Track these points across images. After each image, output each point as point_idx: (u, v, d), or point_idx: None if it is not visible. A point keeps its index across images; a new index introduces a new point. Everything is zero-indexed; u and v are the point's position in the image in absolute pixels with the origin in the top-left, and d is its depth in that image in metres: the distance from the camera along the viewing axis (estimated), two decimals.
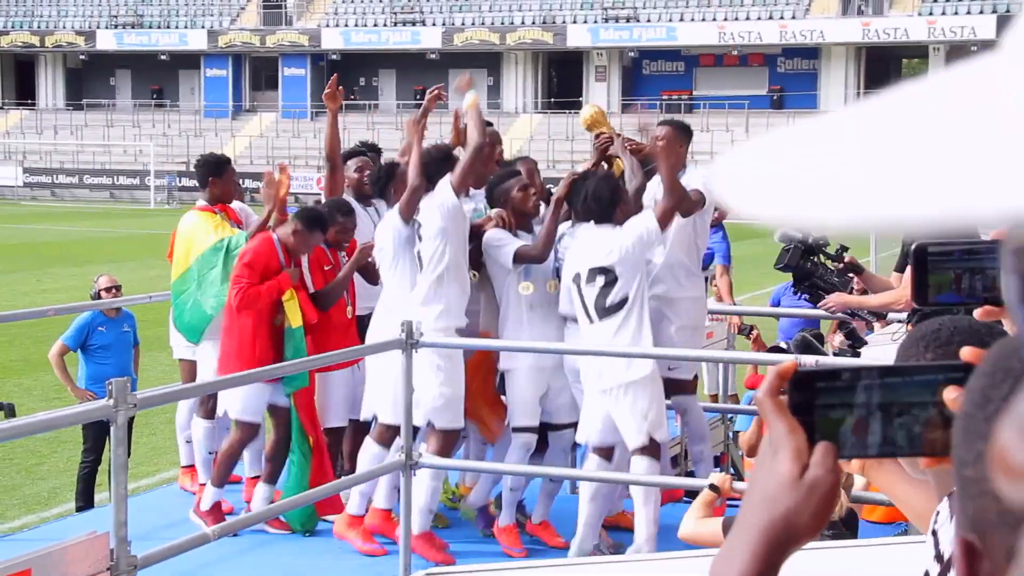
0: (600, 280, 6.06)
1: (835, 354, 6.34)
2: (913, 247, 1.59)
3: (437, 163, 6.37)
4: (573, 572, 3.47)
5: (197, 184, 7.42)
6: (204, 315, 7.04)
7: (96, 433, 8.23)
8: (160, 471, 10.05)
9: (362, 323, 6.85)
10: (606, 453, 6.17)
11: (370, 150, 8.30)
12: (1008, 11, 45.13)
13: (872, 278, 6.56)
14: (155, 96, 57.23)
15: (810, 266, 6.24)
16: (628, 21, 50.37)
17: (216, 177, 7.37)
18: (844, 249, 6.36)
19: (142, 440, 10.40)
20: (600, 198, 6.11)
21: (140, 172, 49.99)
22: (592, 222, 6.15)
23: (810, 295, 6.30)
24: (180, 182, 48.64)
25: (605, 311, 6.06)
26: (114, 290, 8.44)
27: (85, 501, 8.32)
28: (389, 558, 5.98)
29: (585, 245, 6.15)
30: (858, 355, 6.36)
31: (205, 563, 5.67)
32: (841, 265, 6.28)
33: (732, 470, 8.35)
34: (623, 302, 6.04)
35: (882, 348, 5.79)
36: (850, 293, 5.78)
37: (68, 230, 34.47)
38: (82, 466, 8.39)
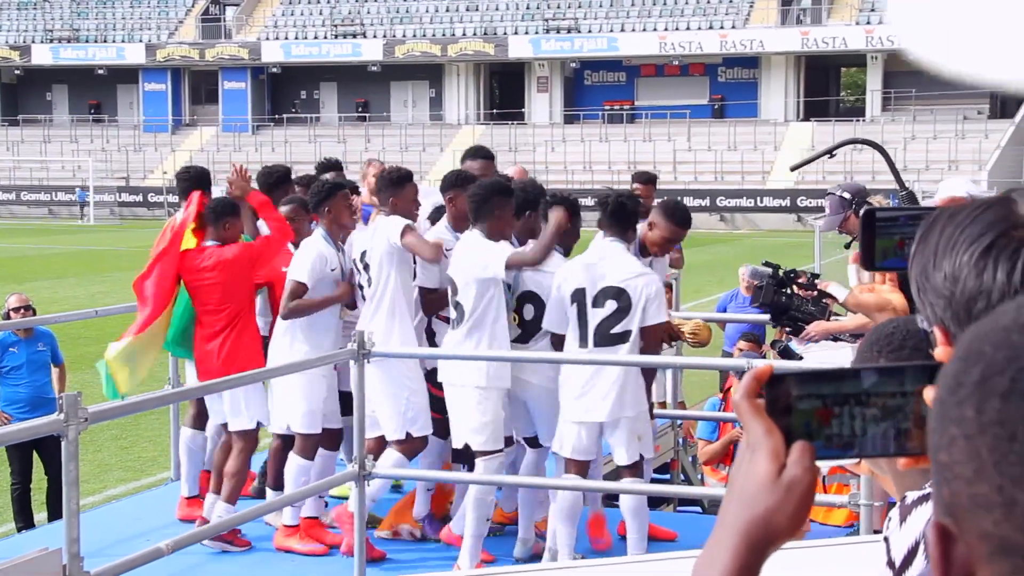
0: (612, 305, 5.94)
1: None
2: (862, 212, 1.61)
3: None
4: (573, 572, 3.45)
5: (182, 196, 7.23)
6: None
7: (21, 454, 8.09)
8: (107, 488, 9.92)
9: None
10: (582, 468, 6.14)
11: (334, 168, 8.33)
12: None
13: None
14: (93, 111, 56.56)
15: (784, 299, 6.27)
16: (569, 31, 50.58)
17: (207, 188, 7.26)
18: (815, 276, 6.41)
19: (87, 457, 10.25)
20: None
21: (79, 188, 49.37)
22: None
23: (791, 328, 6.35)
24: (10, 196, 48.50)
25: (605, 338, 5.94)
26: (23, 310, 8.17)
27: (24, 521, 8.18)
28: (343, 569, 5.93)
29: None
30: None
31: None
32: (815, 292, 6.33)
33: (683, 476, 8.39)
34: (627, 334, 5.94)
35: (829, 352, 5.84)
36: (827, 319, 5.83)
37: (5, 247, 33.95)
38: (13, 488, 8.25)
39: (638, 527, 6.06)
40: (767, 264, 6.47)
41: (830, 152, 7.32)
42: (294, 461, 6.49)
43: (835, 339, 5.96)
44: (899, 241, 1.58)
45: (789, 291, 6.36)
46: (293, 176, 7.80)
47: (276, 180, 7.48)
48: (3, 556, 4.53)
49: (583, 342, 5.95)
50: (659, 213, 6.31)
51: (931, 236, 1.07)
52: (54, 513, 8.03)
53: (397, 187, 6.41)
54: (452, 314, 6.13)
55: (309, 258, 6.44)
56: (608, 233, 6.04)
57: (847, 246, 6.85)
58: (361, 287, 6.48)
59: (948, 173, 42.39)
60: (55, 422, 3.93)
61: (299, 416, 6.47)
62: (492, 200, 5.95)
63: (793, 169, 8.40)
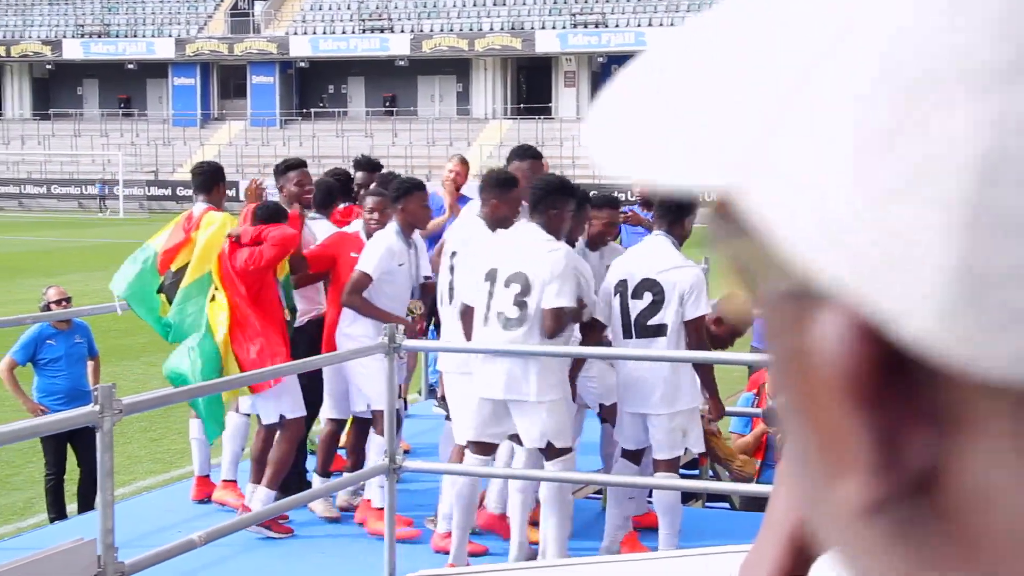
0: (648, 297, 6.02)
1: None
2: None
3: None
4: (572, 573, 3.46)
5: (197, 191, 7.34)
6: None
7: (55, 446, 8.15)
8: (136, 479, 9.99)
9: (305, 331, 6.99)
10: (636, 457, 6.23)
11: (371, 167, 8.50)
12: None
13: None
14: (123, 105, 56.93)
15: None
16: (597, 26, 50.53)
17: (221, 183, 7.39)
18: None
19: (117, 449, 10.32)
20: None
21: (108, 181, 49.71)
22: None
23: None
24: (41, 189, 48.93)
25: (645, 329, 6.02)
26: (64, 302, 8.26)
27: (57, 512, 8.25)
28: (374, 559, 5.96)
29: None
30: None
31: (192, 570, 5.63)
32: None
33: (711, 472, 8.37)
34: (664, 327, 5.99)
35: None
36: None
37: (36, 240, 34.22)
38: (47, 479, 8.31)
39: (670, 523, 6.07)
40: None
41: None
42: (375, 440, 6.59)
43: None
44: None
45: None
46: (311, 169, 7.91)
47: (286, 170, 7.57)
48: (37, 547, 4.57)
49: (626, 333, 6.03)
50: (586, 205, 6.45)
51: None
52: (84, 505, 8.11)
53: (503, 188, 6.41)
54: (508, 312, 5.89)
55: (378, 251, 6.58)
56: (658, 227, 6.16)
57: None
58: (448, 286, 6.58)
59: None
60: (91, 413, 3.97)
61: (380, 395, 6.39)
62: (552, 196, 5.96)
63: None
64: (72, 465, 8.40)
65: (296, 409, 6.66)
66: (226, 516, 6.64)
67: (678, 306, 5.92)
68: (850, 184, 0.30)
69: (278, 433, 6.67)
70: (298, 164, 7.54)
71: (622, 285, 6.01)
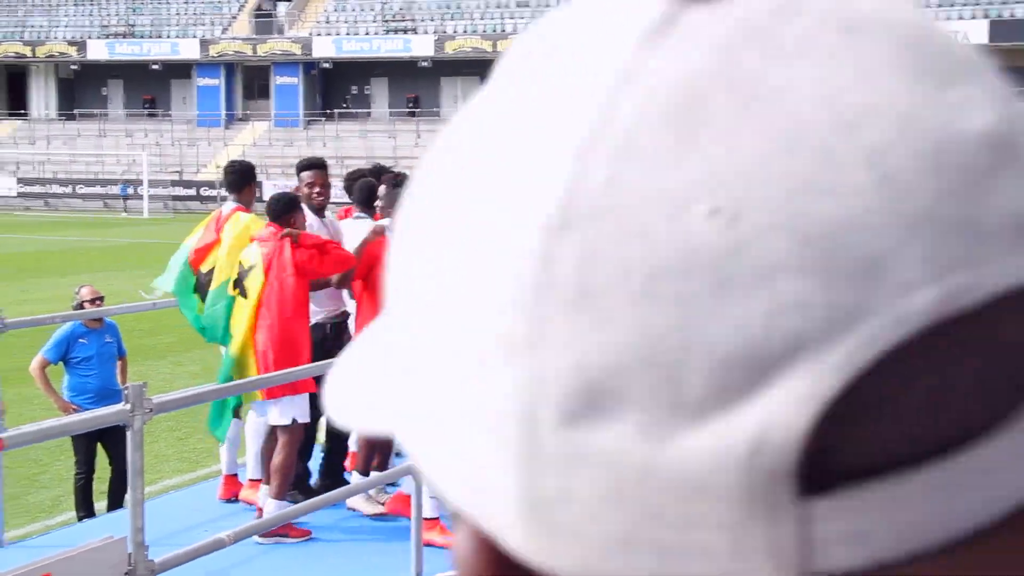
0: None
1: None
2: None
3: None
4: None
5: (228, 189, 7.39)
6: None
7: (86, 445, 8.18)
8: (163, 478, 10.02)
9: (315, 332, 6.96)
10: None
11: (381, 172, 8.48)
12: (1000, 16, 45.28)
13: None
14: (147, 106, 57.24)
15: None
16: None
17: (251, 183, 7.38)
18: None
19: (145, 448, 10.37)
20: None
21: (133, 181, 49.98)
22: None
23: None
24: (67, 189, 49.24)
25: None
26: (97, 301, 8.32)
27: (86, 511, 8.29)
28: (401, 560, 5.96)
29: None
30: None
31: (221, 569, 5.65)
32: None
33: None
34: None
35: None
36: None
37: (61, 240, 34.43)
38: (77, 478, 8.34)
39: None
40: None
41: None
42: None
43: None
44: None
45: None
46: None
47: (300, 170, 7.58)
48: (67, 544, 4.59)
49: None
50: None
51: None
52: (113, 503, 8.15)
53: None
54: None
55: None
56: None
57: None
58: None
59: None
60: (121, 412, 3.98)
61: None
62: None
63: None
64: (102, 463, 8.43)
65: (305, 414, 6.61)
66: (253, 515, 6.66)
67: None
68: (451, 427, 0.35)
69: (281, 438, 6.59)
70: (312, 165, 7.45)
71: None
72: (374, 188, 7.51)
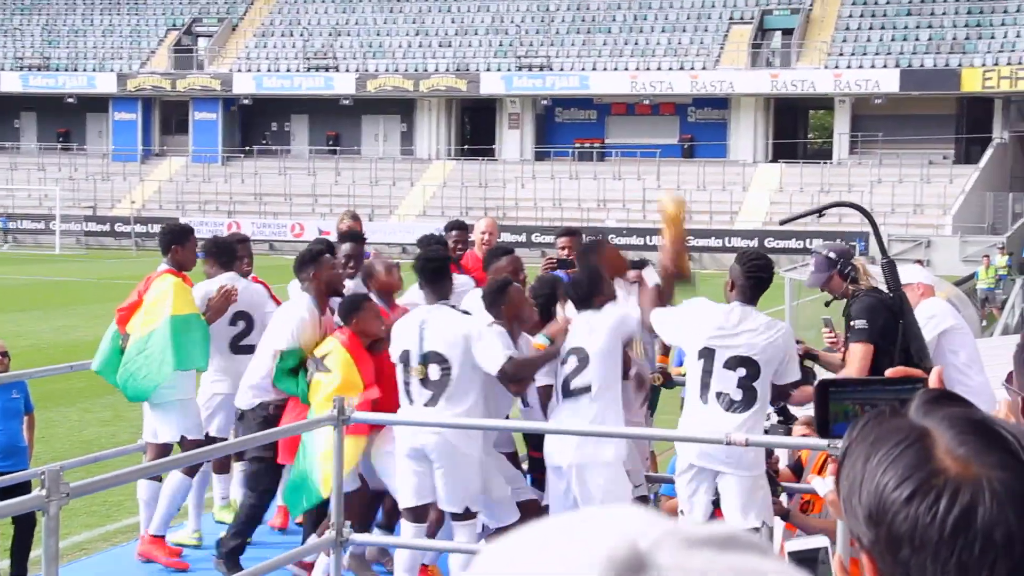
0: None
1: (766, 431, 6.41)
2: (816, 383, 1.70)
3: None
4: None
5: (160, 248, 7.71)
6: (163, 377, 7.06)
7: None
8: (71, 534, 9.79)
9: None
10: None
11: (457, 228, 8.84)
12: (910, 66, 46.45)
13: (825, 356, 6.73)
14: (61, 139, 56.29)
15: None
16: (541, 69, 50.85)
17: (179, 245, 7.55)
18: (798, 342, 6.45)
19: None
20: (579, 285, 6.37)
21: (45, 216, 49.06)
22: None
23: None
24: (20, 224, 48.51)
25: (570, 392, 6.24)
26: (2, 356, 8.16)
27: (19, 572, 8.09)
28: None
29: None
30: (790, 431, 6.45)
31: None
32: (800, 354, 6.37)
33: None
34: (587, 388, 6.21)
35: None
36: (811, 383, 5.87)
37: None
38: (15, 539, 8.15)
39: None
40: None
41: (819, 212, 7.50)
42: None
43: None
44: (852, 407, 1.67)
45: None
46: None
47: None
48: None
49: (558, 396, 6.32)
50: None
51: (852, 462, 1.11)
52: (18, 562, 7.94)
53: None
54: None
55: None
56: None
57: (828, 304, 6.92)
58: None
59: (913, 217, 42.83)
60: (37, 498, 3.88)
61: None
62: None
63: (782, 223, 8.58)
64: (4, 520, 8.23)
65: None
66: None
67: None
68: None
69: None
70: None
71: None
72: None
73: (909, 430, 1.09)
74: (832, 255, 6.39)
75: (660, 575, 0.49)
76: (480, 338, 6.11)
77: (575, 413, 6.11)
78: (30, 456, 8.31)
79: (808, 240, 39.83)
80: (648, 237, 42.32)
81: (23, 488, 6.80)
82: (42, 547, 3.98)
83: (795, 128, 51.89)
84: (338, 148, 53.62)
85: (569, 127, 52.52)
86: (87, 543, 9.18)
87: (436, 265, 6.37)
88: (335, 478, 5.60)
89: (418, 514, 6.29)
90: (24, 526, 7.95)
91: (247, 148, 54.10)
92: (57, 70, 55.72)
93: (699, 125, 51.02)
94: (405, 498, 6.25)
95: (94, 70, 55.36)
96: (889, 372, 1.61)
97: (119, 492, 11.18)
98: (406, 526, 6.32)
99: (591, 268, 6.38)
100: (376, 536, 6.34)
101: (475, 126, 54.22)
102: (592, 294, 6.28)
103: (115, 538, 9.30)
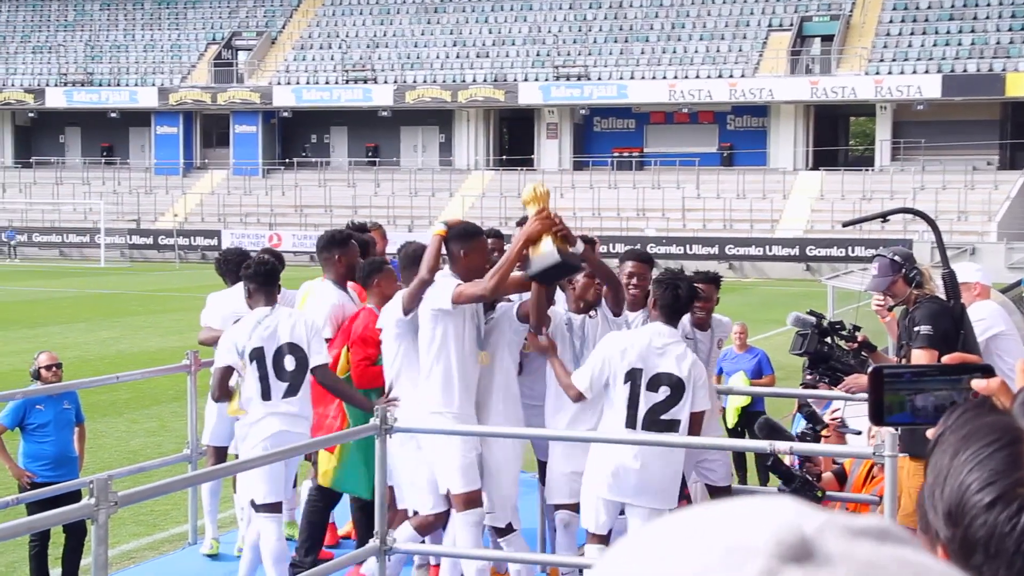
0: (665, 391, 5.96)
1: (799, 436, 6.36)
2: (870, 370, 1.67)
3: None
4: None
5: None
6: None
7: (41, 512, 8.09)
8: (120, 543, 9.88)
9: None
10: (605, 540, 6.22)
11: (493, 236, 8.67)
12: (953, 71, 46.07)
13: (884, 357, 6.65)
14: (105, 153, 56.91)
15: (827, 349, 6.28)
16: (579, 79, 50.86)
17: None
18: (857, 328, 6.40)
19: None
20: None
21: (90, 230, 49.58)
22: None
23: (829, 378, 6.34)
24: (23, 237, 49.01)
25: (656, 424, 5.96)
26: (55, 368, 8.23)
27: None
28: None
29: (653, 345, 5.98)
30: (818, 439, 6.42)
31: None
32: (855, 345, 6.32)
33: None
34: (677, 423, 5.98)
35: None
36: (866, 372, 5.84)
37: (17, 290, 34.02)
38: (31, 545, 8.23)
39: None
40: (812, 313, 6.48)
41: (884, 216, 7.46)
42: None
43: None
44: (907, 396, 1.65)
45: (831, 341, 6.39)
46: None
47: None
48: None
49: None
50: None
51: (941, 451, 1.07)
52: (69, 569, 8.04)
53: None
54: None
55: None
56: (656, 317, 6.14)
57: (891, 309, 6.73)
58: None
59: (957, 224, 42.42)
60: (86, 507, 3.92)
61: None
62: None
63: (845, 225, 8.58)
64: (56, 528, 8.32)
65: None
66: None
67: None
68: None
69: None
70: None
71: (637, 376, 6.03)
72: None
73: (1004, 431, 1.03)
74: (898, 259, 6.19)
75: (828, 562, 0.51)
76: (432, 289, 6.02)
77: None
78: (80, 467, 8.41)
79: (850, 248, 39.56)
80: (688, 246, 42.19)
81: (74, 498, 6.87)
82: (91, 555, 4.01)
83: (836, 135, 51.57)
84: (377, 159, 53.85)
85: (607, 136, 52.48)
86: (135, 552, 9.26)
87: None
88: (378, 487, 5.62)
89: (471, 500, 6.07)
90: (75, 535, 8.04)
91: (287, 160, 54.46)
92: (100, 85, 56.35)
93: (738, 133, 50.82)
94: (455, 484, 6.02)
95: (136, 85, 55.95)
96: (946, 359, 1.58)
97: (166, 501, 11.27)
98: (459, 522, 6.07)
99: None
100: (424, 546, 6.33)
101: (513, 136, 54.29)
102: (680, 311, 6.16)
103: (162, 547, 9.37)
